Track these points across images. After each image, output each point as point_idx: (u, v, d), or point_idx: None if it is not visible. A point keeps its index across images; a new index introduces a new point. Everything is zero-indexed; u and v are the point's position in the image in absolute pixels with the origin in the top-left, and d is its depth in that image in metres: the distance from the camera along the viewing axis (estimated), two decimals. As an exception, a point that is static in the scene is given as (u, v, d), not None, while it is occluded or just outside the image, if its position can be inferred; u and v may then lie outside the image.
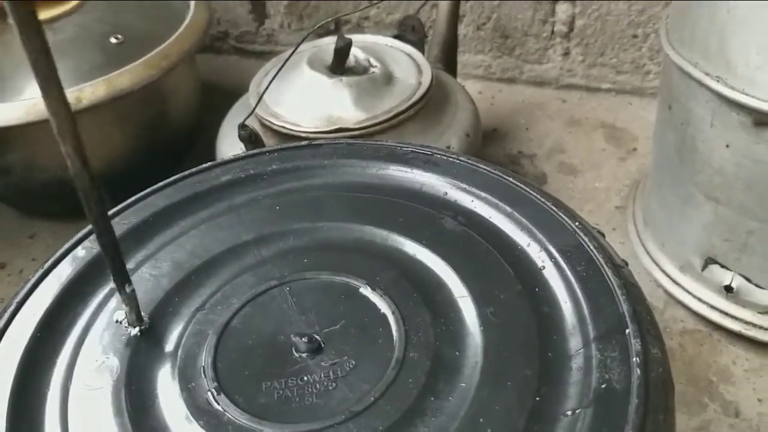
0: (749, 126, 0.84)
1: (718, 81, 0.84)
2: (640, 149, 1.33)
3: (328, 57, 1.04)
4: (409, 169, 0.55)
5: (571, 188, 1.28)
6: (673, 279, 1.04)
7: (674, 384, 0.41)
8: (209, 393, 0.41)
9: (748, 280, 0.95)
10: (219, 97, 1.26)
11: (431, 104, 1.04)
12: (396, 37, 1.17)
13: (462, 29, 1.41)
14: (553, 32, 1.40)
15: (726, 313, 0.99)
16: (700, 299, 1.01)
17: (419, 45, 1.17)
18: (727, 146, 0.88)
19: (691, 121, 0.92)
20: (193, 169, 0.56)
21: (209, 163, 0.57)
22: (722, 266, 0.98)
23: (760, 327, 0.97)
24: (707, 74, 0.86)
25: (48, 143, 1.22)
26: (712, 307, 1.00)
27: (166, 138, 1.27)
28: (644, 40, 1.36)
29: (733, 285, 0.97)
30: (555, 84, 1.47)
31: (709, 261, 0.99)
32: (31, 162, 1.17)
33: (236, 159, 0.57)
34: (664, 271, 1.06)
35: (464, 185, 0.53)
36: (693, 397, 0.94)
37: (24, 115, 1.06)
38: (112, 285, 0.48)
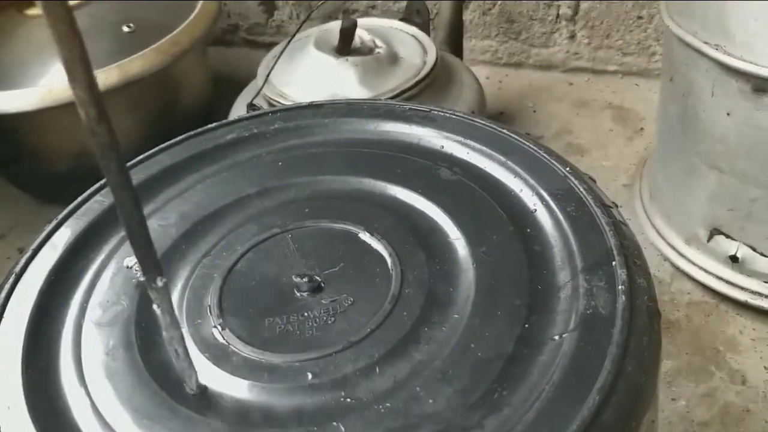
0: (749, 93, 0.85)
1: (717, 49, 0.85)
2: (646, 129, 1.33)
3: (335, 39, 1.06)
4: (406, 125, 0.57)
5: (579, 168, 1.29)
6: (680, 252, 1.05)
7: (660, 312, 0.42)
8: (215, 329, 0.44)
9: (753, 249, 0.96)
10: (230, 88, 1.28)
11: (436, 83, 1.05)
12: (401, 20, 1.19)
13: (468, 15, 1.43)
14: (558, 16, 1.41)
15: (732, 284, 1.00)
16: (706, 270, 1.02)
17: (424, 27, 1.19)
18: (728, 114, 0.89)
19: (692, 91, 0.93)
20: (199, 129, 0.58)
21: (214, 124, 0.59)
22: (727, 236, 0.99)
23: (767, 296, 0.97)
24: (706, 43, 0.87)
25: (65, 129, 1.25)
26: (719, 278, 1.01)
27: (177, 126, 1.30)
28: (649, 20, 1.37)
29: (739, 255, 0.97)
30: (562, 67, 1.48)
31: (715, 232, 1.00)
32: (48, 148, 1.20)
33: (240, 119, 0.59)
34: (670, 245, 1.07)
35: (460, 138, 0.55)
36: (700, 366, 0.95)
37: (40, 101, 1.09)
38: (122, 233, 0.51)
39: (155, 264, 0.34)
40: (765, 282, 0.97)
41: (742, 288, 0.98)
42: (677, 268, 1.06)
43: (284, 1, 1.57)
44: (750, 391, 0.91)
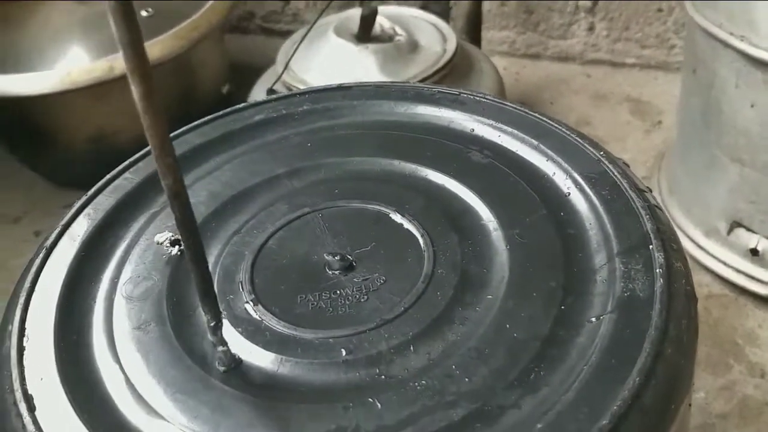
0: (774, 84, 0.84)
1: (742, 40, 0.85)
2: (665, 122, 1.33)
3: (355, 26, 1.06)
4: (436, 108, 0.56)
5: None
6: (699, 244, 1.05)
7: (697, 297, 0.42)
8: (247, 304, 0.43)
9: (774, 242, 0.95)
10: (247, 75, 1.28)
11: (456, 71, 1.05)
12: (421, 8, 1.18)
13: (486, 5, 1.42)
14: (577, 7, 1.40)
15: (752, 277, 0.99)
16: (725, 263, 1.02)
17: (444, 16, 1.18)
18: (752, 106, 0.88)
19: (716, 84, 0.92)
20: (227, 110, 0.58)
21: (242, 104, 0.58)
22: (748, 229, 0.98)
23: (787, 290, 0.97)
24: (732, 34, 0.86)
25: (80, 113, 1.26)
26: (738, 271, 1.00)
27: (195, 111, 1.30)
28: (669, 13, 1.36)
29: (759, 248, 0.97)
30: (580, 59, 1.47)
31: (735, 225, 0.99)
32: (65, 131, 1.20)
33: (268, 100, 0.59)
34: (689, 237, 1.06)
35: (491, 121, 0.54)
36: (719, 359, 0.94)
37: (58, 84, 1.09)
38: (152, 210, 0.50)
39: (216, 309, 0.37)
40: (785, 276, 0.96)
41: (762, 281, 0.98)
42: (696, 261, 1.05)
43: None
44: (768, 384, 0.91)
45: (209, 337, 0.38)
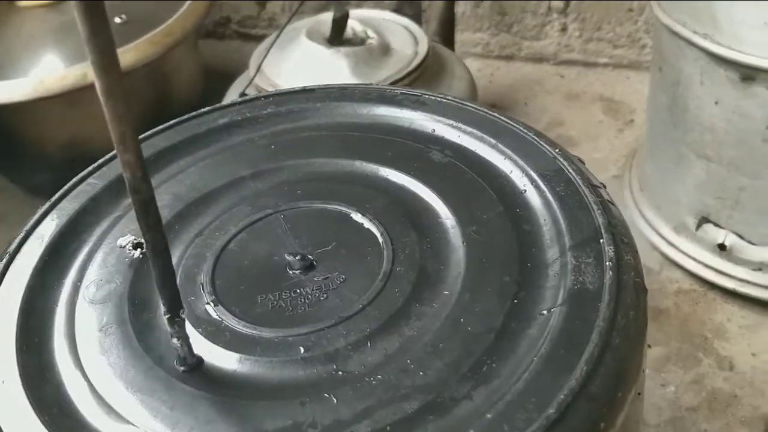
0: (737, 81, 0.86)
1: (705, 38, 0.87)
2: (637, 120, 1.35)
3: (327, 29, 1.07)
4: (398, 109, 0.57)
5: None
6: (669, 241, 1.06)
7: (646, 288, 0.43)
8: (208, 305, 0.44)
9: (741, 237, 0.97)
10: (222, 80, 1.28)
11: (427, 73, 1.06)
12: (394, 11, 1.19)
13: (460, 7, 1.43)
14: (549, 8, 1.42)
15: (720, 272, 1.01)
16: (695, 259, 1.03)
17: (416, 19, 1.20)
18: (716, 103, 0.90)
19: (682, 81, 0.94)
20: (192, 114, 0.59)
21: (207, 108, 0.59)
22: (715, 225, 1.00)
23: (755, 284, 0.99)
24: (695, 32, 0.88)
25: (54, 120, 1.25)
26: (707, 266, 1.02)
27: (168, 117, 1.30)
28: (639, 13, 1.38)
29: (726, 243, 0.99)
30: (553, 60, 1.49)
31: (703, 220, 1.01)
32: (39, 138, 1.20)
33: (233, 104, 0.59)
34: (659, 234, 1.08)
35: (451, 121, 0.55)
36: (688, 353, 0.96)
37: (32, 92, 1.09)
38: (115, 215, 0.51)
39: (178, 301, 0.38)
40: (752, 270, 0.98)
41: (730, 276, 1.00)
42: (666, 257, 1.07)
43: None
44: (737, 377, 0.93)
45: (168, 329, 0.39)
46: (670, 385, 0.91)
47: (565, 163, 0.50)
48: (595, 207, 0.46)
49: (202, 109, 0.59)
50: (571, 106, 1.40)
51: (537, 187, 0.49)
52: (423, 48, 1.06)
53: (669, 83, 0.97)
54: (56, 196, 0.52)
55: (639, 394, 0.42)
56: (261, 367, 0.40)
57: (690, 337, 0.97)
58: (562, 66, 1.49)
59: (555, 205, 0.47)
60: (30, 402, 0.39)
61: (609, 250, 0.43)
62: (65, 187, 0.53)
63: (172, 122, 0.58)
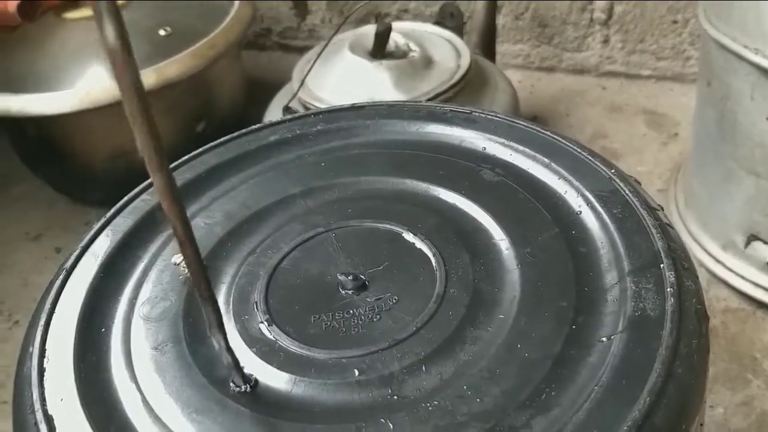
0: (789, 97, 0.84)
1: (756, 53, 0.85)
2: (681, 134, 1.32)
3: (369, 42, 1.07)
4: (448, 127, 0.57)
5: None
6: (716, 258, 1.04)
7: (708, 315, 0.42)
8: (262, 324, 0.44)
9: (792, 255, 0.95)
10: (263, 91, 1.29)
11: (470, 87, 1.06)
12: (435, 24, 1.19)
13: (501, 19, 1.43)
14: (591, 20, 1.41)
15: (770, 291, 0.98)
16: (743, 277, 1.01)
17: (458, 31, 1.19)
18: (768, 119, 0.88)
19: (731, 96, 0.92)
20: (243, 131, 0.59)
21: (257, 125, 0.59)
22: (765, 242, 0.97)
23: (805, 304, 0.96)
24: (746, 47, 0.86)
25: (100, 132, 1.28)
26: (756, 285, 1.00)
27: (212, 129, 1.32)
28: (684, 25, 1.36)
29: (777, 261, 0.96)
30: (595, 71, 1.47)
31: (752, 238, 0.99)
32: (85, 149, 1.22)
33: (283, 121, 0.60)
34: (706, 251, 1.06)
35: (502, 140, 0.55)
36: (737, 374, 0.94)
37: (78, 103, 1.11)
38: (169, 231, 0.51)
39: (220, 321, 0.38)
40: (804, 289, 0.95)
41: (779, 295, 0.97)
42: (713, 275, 1.04)
43: (318, 2, 1.58)
44: (788, 399, 0.90)
45: (222, 359, 0.39)
46: (719, 406, 0.89)
47: (621, 184, 0.49)
48: (654, 230, 0.45)
49: (253, 126, 0.59)
50: (613, 119, 1.39)
51: (593, 208, 0.48)
52: (465, 61, 1.06)
53: (717, 98, 0.95)
54: (111, 212, 0.53)
55: (701, 425, 0.40)
56: (315, 389, 0.40)
57: (738, 358, 0.95)
58: (603, 78, 1.47)
59: (612, 228, 0.46)
60: (88, 420, 0.39)
61: (670, 276, 0.42)
62: (119, 204, 0.53)
63: (223, 139, 0.58)
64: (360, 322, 0.44)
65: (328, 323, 0.44)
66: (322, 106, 0.99)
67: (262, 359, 0.42)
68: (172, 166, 0.55)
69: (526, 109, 1.38)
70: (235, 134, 0.59)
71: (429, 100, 0.99)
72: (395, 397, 0.39)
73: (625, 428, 0.34)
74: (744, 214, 0.98)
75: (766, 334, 0.98)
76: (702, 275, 1.06)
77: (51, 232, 1.30)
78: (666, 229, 0.46)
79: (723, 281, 1.03)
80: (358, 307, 0.44)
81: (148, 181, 0.53)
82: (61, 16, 1.26)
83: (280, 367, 0.41)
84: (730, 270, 1.02)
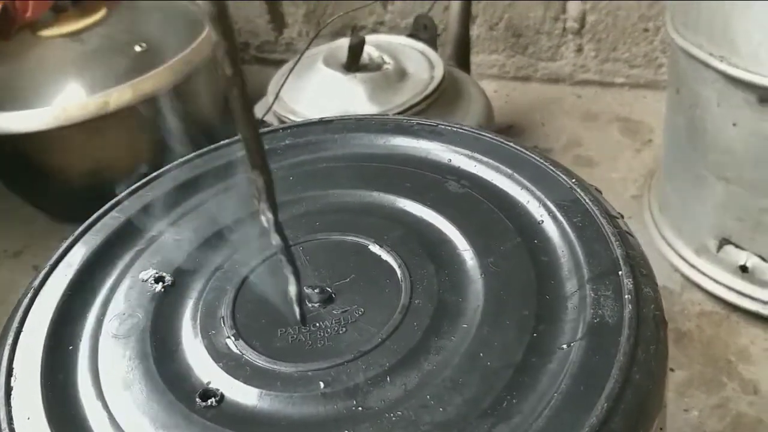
0: (754, 103, 0.86)
1: (722, 60, 0.86)
2: (655, 140, 1.34)
3: (343, 55, 1.08)
4: (415, 140, 0.58)
5: (587, 180, 1.30)
6: (690, 262, 1.06)
7: (666, 321, 0.43)
8: (228, 339, 0.44)
9: (763, 258, 0.96)
10: (241, 104, 1.29)
11: (444, 98, 1.07)
12: (409, 36, 1.20)
13: (475, 30, 1.44)
14: (564, 29, 1.42)
15: (743, 294, 1.00)
16: (716, 281, 1.02)
17: (432, 43, 1.20)
18: (734, 125, 0.89)
19: (699, 103, 0.94)
20: (211, 146, 0.59)
21: (226, 140, 0.60)
22: (737, 246, 0.99)
23: (778, 306, 0.97)
24: (712, 54, 0.88)
25: (77, 148, 1.27)
26: (729, 288, 1.01)
27: (190, 144, 1.32)
28: (655, 33, 1.38)
29: (748, 265, 0.98)
30: (569, 80, 1.49)
31: (724, 242, 1.00)
32: (62, 166, 1.22)
33: (252, 136, 0.60)
34: (680, 255, 1.07)
35: (467, 151, 0.55)
36: (712, 377, 0.95)
37: (54, 121, 1.11)
38: (137, 248, 0.52)
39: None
40: (775, 292, 0.97)
41: (752, 298, 0.99)
42: (688, 279, 1.06)
43: (295, 16, 1.59)
44: (762, 401, 0.91)
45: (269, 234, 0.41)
46: (694, 409, 0.90)
47: (582, 193, 0.50)
48: (612, 238, 0.46)
49: (222, 142, 0.60)
50: (588, 127, 1.40)
51: (554, 217, 0.49)
52: (439, 72, 1.07)
53: (686, 105, 0.97)
54: (79, 229, 0.53)
55: (661, 429, 0.41)
56: (281, 402, 0.41)
57: (713, 361, 0.96)
58: (578, 86, 1.49)
59: (572, 236, 0.47)
60: (54, 438, 0.39)
61: (628, 283, 0.42)
62: (88, 221, 0.54)
63: (191, 155, 0.59)
64: (326, 334, 0.44)
65: (295, 337, 0.44)
66: (297, 119, 1.00)
67: (228, 374, 0.42)
68: (138, 184, 0.56)
69: (501, 119, 1.39)
70: (204, 150, 0.59)
71: (402, 112, 1.00)
72: (360, 409, 0.39)
73: (583, 434, 0.35)
74: (715, 218, 0.99)
75: (740, 337, 0.99)
76: (676, 279, 1.07)
77: (30, 250, 1.30)
78: (625, 237, 0.46)
79: (697, 285, 1.04)
80: (325, 320, 0.45)
81: (117, 198, 0.54)
82: (36, 34, 1.26)
83: (246, 381, 0.42)
84: (704, 274, 1.03)
